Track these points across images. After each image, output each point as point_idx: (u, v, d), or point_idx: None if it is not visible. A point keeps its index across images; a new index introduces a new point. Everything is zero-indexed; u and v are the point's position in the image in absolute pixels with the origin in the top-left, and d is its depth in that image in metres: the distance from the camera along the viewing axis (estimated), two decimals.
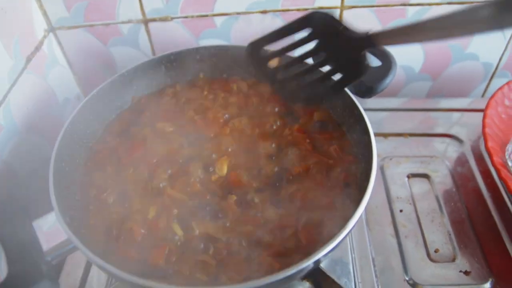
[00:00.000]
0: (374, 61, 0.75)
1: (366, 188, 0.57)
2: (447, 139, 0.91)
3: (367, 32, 0.59)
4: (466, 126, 0.93)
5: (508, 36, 0.93)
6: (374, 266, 0.69)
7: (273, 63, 0.75)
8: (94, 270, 0.70)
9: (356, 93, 0.73)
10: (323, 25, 0.65)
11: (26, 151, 0.77)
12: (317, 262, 0.52)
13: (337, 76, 0.67)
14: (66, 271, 0.70)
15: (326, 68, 0.67)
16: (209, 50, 0.83)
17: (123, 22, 0.88)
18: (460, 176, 0.83)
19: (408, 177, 0.83)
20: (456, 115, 0.97)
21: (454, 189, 0.81)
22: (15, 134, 0.74)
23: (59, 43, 0.91)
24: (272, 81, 0.75)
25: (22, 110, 0.76)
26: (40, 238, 0.56)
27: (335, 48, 0.65)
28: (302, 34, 0.67)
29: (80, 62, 0.95)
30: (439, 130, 0.93)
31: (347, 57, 0.64)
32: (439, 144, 0.90)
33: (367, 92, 0.74)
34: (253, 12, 0.87)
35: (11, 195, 0.70)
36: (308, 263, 0.50)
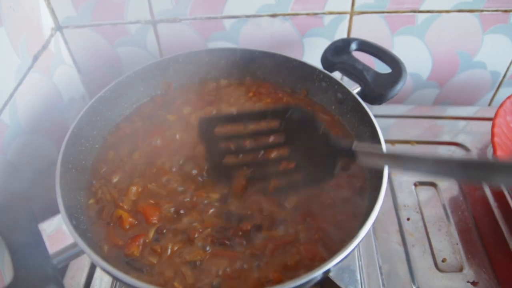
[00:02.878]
0: (384, 68, 0.75)
1: (377, 197, 0.57)
2: (453, 147, 0.91)
3: (351, 145, 0.54)
4: (472, 135, 0.93)
5: None
6: (381, 274, 0.69)
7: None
8: (98, 274, 0.69)
9: (366, 100, 0.73)
10: (298, 122, 0.60)
11: (30, 150, 0.76)
12: (327, 272, 0.52)
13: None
14: (70, 274, 0.69)
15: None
16: (218, 52, 0.82)
17: (131, 23, 0.87)
18: (467, 184, 0.83)
19: (415, 185, 0.83)
20: (462, 123, 0.96)
21: (461, 198, 0.80)
22: (20, 133, 0.73)
23: (66, 42, 0.90)
24: (219, 164, 0.65)
25: (27, 109, 0.75)
26: (45, 241, 0.55)
27: (303, 146, 0.60)
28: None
29: (86, 61, 0.94)
30: (446, 138, 0.92)
31: (315, 159, 0.59)
32: (445, 152, 0.90)
33: (377, 99, 0.74)
34: (262, 15, 0.87)
35: (16, 196, 0.69)
36: (318, 273, 0.50)
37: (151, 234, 0.59)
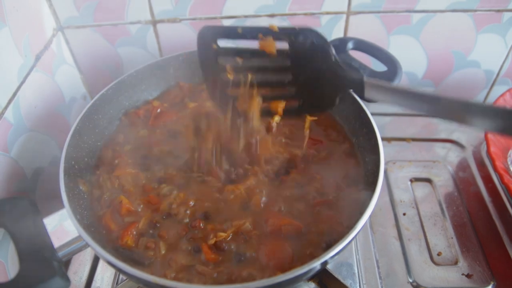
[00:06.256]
0: (379, 66, 0.77)
1: (374, 191, 0.58)
2: (448, 144, 0.93)
3: (362, 78, 0.54)
4: (467, 132, 0.95)
5: (510, 44, 0.95)
6: (378, 268, 0.70)
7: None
8: (100, 268, 0.70)
9: (362, 97, 0.75)
10: (310, 48, 0.58)
11: (33, 148, 0.77)
12: (324, 263, 0.53)
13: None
14: (73, 269, 0.70)
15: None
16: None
17: (131, 23, 0.89)
18: (462, 180, 0.85)
19: (411, 181, 0.84)
20: None
21: (456, 194, 0.82)
22: (24, 131, 0.75)
23: (67, 42, 0.91)
24: (214, 82, 0.63)
25: (30, 108, 0.77)
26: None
27: (310, 75, 0.58)
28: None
29: (87, 61, 0.95)
30: (441, 135, 0.94)
31: (320, 88, 0.58)
32: (440, 149, 0.92)
33: None
34: (261, 16, 0.88)
35: (20, 193, 0.71)
36: (316, 264, 0.51)
37: (143, 223, 0.62)
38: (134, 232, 0.61)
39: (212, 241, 0.58)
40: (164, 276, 0.56)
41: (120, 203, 0.63)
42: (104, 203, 0.65)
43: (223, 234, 0.59)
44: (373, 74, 0.76)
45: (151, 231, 0.61)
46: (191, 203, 0.64)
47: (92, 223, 0.62)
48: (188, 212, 0.62)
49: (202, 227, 0.60)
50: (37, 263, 0.52)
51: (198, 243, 0.59)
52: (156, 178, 0.68)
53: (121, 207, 0.62)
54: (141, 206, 0.64)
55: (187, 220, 0.62)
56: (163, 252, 0.59)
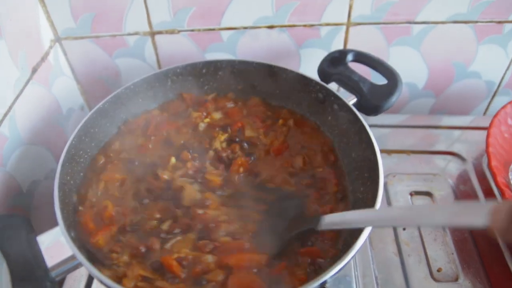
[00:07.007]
0: (380, 79, 0.76)
1: (373, 206, 0.58)
2: (449, 157, 0.92)
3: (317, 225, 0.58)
4: (468, 144, 0.94)
5: (511, 55, 0.94)
6: (377, 284, 0.69)
7: None
8: (95, 286, 0.69)
9: (362, 111, 0.74)
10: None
11: (29, 161, 0.77)
12: (323, 283, 0.52)
13: None
14: (68, 285, 0.69)
15: None
16: (216, 64, 0.83)
17: (129, 34, 0.88)
18: (463, 194, 0.83)
19: (411, 194, 0.83)
20: (457, 132, 0.97)
21: None
22: (19, 145, 0.74)
23: (65, 54, 0.90)
24: None
25: (26, 121, 0.76)
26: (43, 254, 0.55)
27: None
28: None
29: (85, 72, 0.94)
30: (441, 147, 0.93)
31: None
32: (441, 162, 0.91)
33: (373, 110, 0.75)
34: (260, 27, 0.88)
35: (15, 207, 0.70)
36: (314, 285, 0.50)
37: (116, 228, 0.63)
38: (108, 235, 0.62)
39: (174, 257, 0.58)
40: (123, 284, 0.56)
41: (105, 208, 0.64)
42: (89, 204, 0.66)
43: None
44: (373, 87, 0.75)
45: (121, 237, 0.62)
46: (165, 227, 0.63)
47: (87, 240, 0.61)
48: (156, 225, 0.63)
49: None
50: (29, 284, 0.51)
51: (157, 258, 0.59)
52: (141, 189, 0.68)
53: (105, 212, 0.64)
54: (121, 213, 0.65)
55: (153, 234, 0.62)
56: (125, 258, 0.59)
